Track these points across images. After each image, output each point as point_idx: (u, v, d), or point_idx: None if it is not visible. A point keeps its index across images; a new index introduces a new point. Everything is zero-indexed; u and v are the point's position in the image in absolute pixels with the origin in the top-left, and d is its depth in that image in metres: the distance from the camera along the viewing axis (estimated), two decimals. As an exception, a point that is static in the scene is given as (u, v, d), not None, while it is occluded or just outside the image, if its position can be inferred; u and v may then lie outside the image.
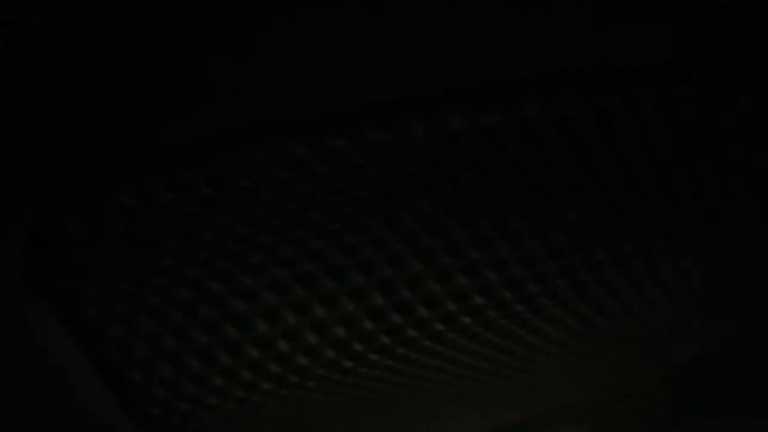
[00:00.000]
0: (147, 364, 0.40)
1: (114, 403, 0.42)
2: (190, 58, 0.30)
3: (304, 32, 0.29)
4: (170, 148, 0.32)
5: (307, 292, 0.39)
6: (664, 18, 0.31)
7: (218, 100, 0.31)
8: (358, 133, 0.33)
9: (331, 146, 0.33)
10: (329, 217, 0.36)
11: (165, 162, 0.33)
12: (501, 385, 0.50)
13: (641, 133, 0.35)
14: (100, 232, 0.35)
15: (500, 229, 0.38)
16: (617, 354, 0.51)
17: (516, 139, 0.34)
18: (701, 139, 0.36)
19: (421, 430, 0.55)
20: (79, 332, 0.39)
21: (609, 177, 0.37)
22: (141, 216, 0.34)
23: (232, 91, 0.31)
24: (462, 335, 0.43)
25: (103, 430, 0.43)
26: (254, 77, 0.30)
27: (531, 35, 0.31)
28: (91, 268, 0.37)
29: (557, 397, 0.56)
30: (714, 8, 0.30)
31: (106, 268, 0.37)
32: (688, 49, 0.32)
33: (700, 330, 0.52)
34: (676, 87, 0.34)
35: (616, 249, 0.41)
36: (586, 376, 0.53)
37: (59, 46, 0.28)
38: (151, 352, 0.40)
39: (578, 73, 0.32)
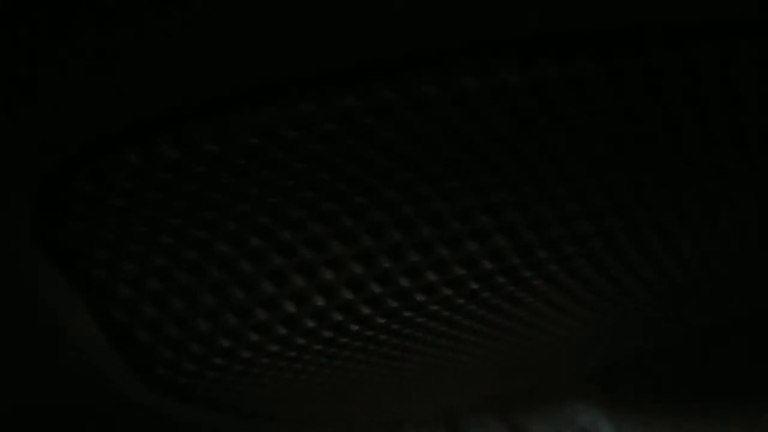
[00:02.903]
0: (154, 324, 0.40)
1: (121, 364, 0.42)
2: (197, 17, 0.29)
3: None
4: (177, 105, 0.32)
5: (315, 254, 0.39)
6: None
7: (225, 60, 0.31)
8: (368, 91, 0.33)
9: (340, 105, 0.33)
10: (338, 178, 0.36)
11: (172, 118, 0.32)
12: (508, 354, 0.50)
13: (656, 94, 0.34)
14: (106, 191, 0.35)
15: (511, 195, 0.38)
16: (626, 324, 0.50)
17: (529, 100, 0.33)
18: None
19: (426, 396, 0.55)
20: (87, 292, 0.39)
21: (622, 140, 0.36)
22: (148, 174, 0.34)
23: (240, 51, 0.31)
24: (469, 301, 0.42)
25: (109, 389, 0.43)
26: (261, 35, 0.30)
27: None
28: (98, 228, 0.36)
29: (565, 368, 0.56)
30: None
31: (113, 228, 0.36)
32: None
33: (709, 303, 0.52)
34: (696, 49, 0.33)
35: (629, 217, 0.40)
36: (594, 347, 0.53)
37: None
38: (158, 313, 0.40)
39: (592, 33, 0.32)
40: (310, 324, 0.41)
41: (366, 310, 0.41)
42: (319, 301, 0.40)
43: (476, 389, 0.56)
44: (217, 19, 0.29)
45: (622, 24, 0.31)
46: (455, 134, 0.35)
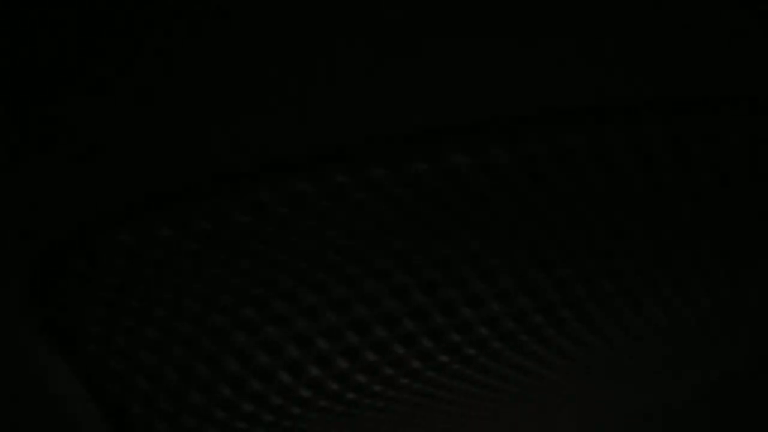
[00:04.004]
0: (148, 398, 0.40)
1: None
2: (193, 101, 0.29)
3: (312, 76, 0.29)
4: (170, 185, 0.32)
5: (310, 324, 0.38)
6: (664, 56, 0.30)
7: (215, 143, 0.31)
8: (359, 169, 0.33)
9: (333, 182, 0.33)
10: (332, 251, 0.36)
11: (164, 199, 0.32)
12: (506, 415, 0.50)
13: (647, 169, 0.34)
14: (99, 270, 0.35)
15: (505, 261, 0.38)
16: (622, 386, 0.50)
17: (515, 174, 0.33)
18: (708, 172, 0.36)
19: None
20: (81, 366, 0.39)
21: (615, 211, 0.36)
22: (141, 253, 0.34)
23: (231, 133, 0.31)
24: (467, 366, 0.42)
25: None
26: (260, 119, 0.30)
27: (534, 73, 0.30)
28: (91, 304, 0.36)
29: (562, 427, 0.56)
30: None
31: (107, 305, 0.36)
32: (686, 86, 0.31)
33: (705, 361, 0.52)
34: (684, 123, 0.33)
35: (623, 280, 0.40)
36: (591, 407, 0.53)
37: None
38: (152, 386, 0.39)
39: (581, 109, 0.32)
40: (306, 393, 0.41)
41: (361, 378, 0.41)
42: (314, 371, 0.40)
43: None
44: (207, 104, 0.29)
45: (611, 101, 0.31)
46: (444, 208, 0.35)
